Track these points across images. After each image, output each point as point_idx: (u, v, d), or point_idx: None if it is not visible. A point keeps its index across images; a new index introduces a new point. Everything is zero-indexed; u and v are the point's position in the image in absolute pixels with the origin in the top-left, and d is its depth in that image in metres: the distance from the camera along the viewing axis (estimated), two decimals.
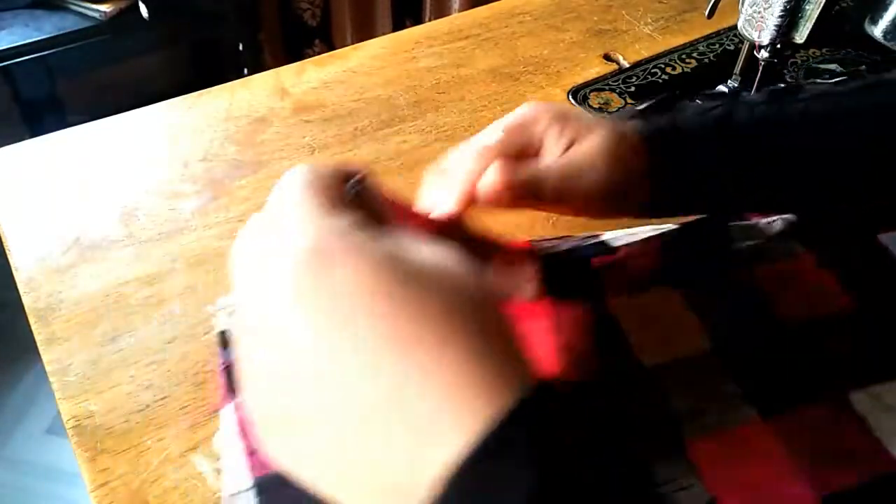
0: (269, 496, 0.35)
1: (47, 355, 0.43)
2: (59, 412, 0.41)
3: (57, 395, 0.41)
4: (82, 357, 0.43)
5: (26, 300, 0.46)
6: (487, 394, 0.21)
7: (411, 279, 0.22)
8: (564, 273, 0.46)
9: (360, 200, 0.28)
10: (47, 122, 1.48)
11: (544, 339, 0.41)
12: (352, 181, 0.28)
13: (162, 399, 0.41)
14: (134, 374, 0.42)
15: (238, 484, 0.36)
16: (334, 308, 0.22)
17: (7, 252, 0.50)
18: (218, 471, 0.37)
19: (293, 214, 0.25)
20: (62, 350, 0.43)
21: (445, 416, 0.20)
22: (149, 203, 0.53)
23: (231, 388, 0.40)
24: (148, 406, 0.40)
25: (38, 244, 0.50)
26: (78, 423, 0.40)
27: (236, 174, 0.56)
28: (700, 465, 0.36)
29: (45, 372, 0.42)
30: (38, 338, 0.44)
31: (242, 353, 0.25)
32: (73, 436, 0.39)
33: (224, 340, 0.43)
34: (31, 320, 0.45)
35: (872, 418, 0.38)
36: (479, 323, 0.22)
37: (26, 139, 0.58)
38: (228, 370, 0.41)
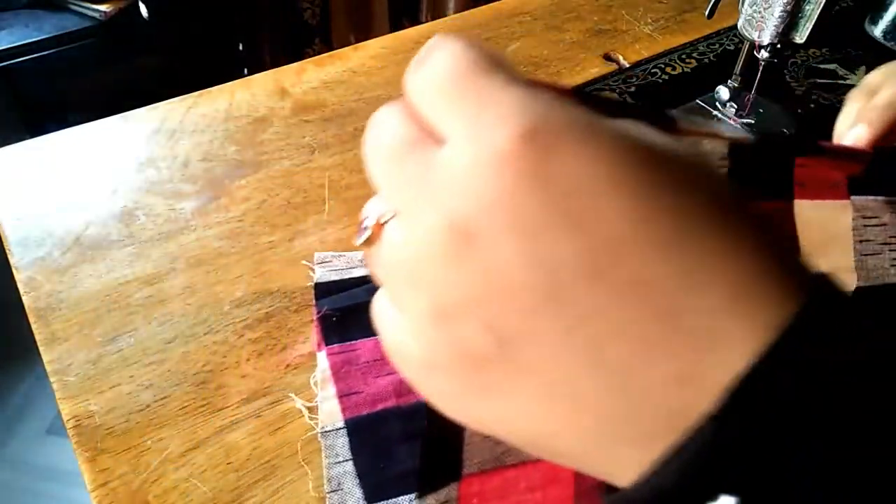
0: (359, 437, 0.38)
1: (47, 355, 0.43)
2: (59, 412, 0.41)
3: (57, 395, 0.41)
4: (82, 357, 0.43)
5: (26, 300, 0.46)
6: (782, 294, 0.16)
7: (663, 164, 0.17)
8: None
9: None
10: (47, 122, 1.48)
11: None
12: (366, 219, 0.21)
13: (162, 399, 0.41)
14: (134, 374, 0.42)
15: (332, 422, 0.39)
16: (569, 215, 0.16)
17: (7, 252, 0.50)
18: (310, 408, 0.40)
19: (477, 100, 0.17)
20: (62, 350, 0.43)
21: (731, 324, 0.16)
22: (149, 203, 0.53)
23: (325, 336, 0.43)
24: (148, 406, 0.41)
25: (38, 244, 0.50)
26: (78, 423, 0.40)
27: (236, 174, 0.56)
28: None
29: (45, 372, 0.42)
30: (38, 338, 0.44)
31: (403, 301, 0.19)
32: (73, 436, 0.39)
33: (319, 292, 0.46)
34: (31, 320, 0.45)
35: None
36: (746, 214, 0.17)
37: (26, 139, 0.58)
38: (323, 320, 0.43)
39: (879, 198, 0.45)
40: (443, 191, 0.17)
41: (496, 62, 0.18)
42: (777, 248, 0.17)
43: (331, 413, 0.39)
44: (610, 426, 0.17)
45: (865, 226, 0.44)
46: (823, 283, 0.17)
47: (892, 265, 0.43)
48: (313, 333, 0.44)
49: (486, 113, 0.17)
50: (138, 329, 0.44)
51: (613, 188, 0.16)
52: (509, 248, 0.16)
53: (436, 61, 0.20)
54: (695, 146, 0.22)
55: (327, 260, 0.48)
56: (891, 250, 0.44)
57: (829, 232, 0.43)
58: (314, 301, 0.45)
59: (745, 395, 0.15)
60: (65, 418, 0.40)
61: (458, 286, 0.17)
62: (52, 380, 0.42)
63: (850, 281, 0.42)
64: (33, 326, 0.45)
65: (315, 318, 0.44)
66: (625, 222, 0.16)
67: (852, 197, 0.44)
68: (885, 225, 0.44)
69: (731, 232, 0.16)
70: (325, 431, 0.39)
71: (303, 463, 0.38)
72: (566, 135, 0.16)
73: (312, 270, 0.48)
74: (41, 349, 0.43)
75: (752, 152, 0.43)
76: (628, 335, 0.16)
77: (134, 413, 0.40)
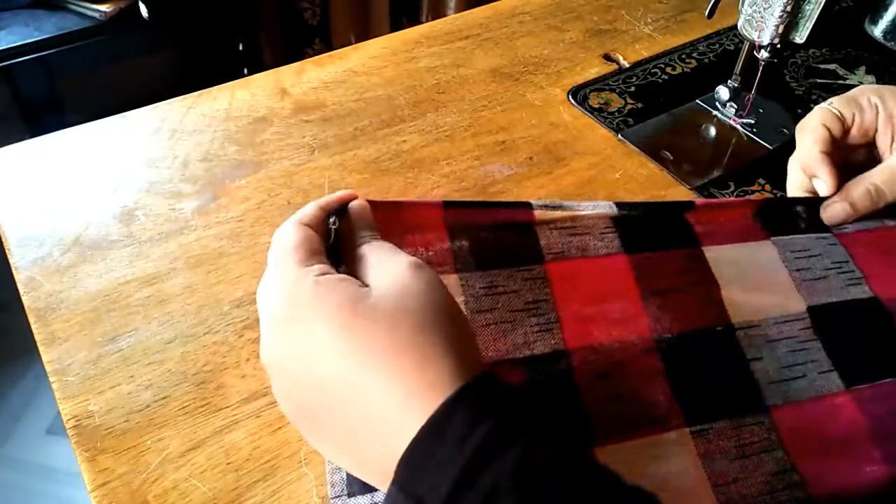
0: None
1: (47, 355, 0.43)
2: (59, 412, 0.41)
3: (57, 395, 0.41)
4: (82, 357, 0.43)
5: (26, 300, 0.46)
6: (431, 394, 0.27)
7: (360, 315, 0.29)
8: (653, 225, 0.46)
9: (342, 225, 0.36)
10: (47, 122, 1.48)
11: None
12: (330, 220, 0.36)
13: (162, 399, 0.41)
14: (134, 374, 0.42)
15: (338, 489, 0.36)
16: (314, 348, 0.29)
17: (7, 252, 0.50)
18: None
19: (273, 275, 0.33)
20: (62, 350, 0.43)
21: (402, 415, 0.27)
22: (149, 203, 0.53)
23: None
24: (148, 406, 0.41)
25: (38, 244, 0.50)
26: (78, 423, 0.40)
27: (236, 174, 0.56)
28: (782, 435, 0.37)
29: (45, 372, 0.42)
30: (38, 338, 0.44)
31: (271, 375, 0.32)
32: (73, 436, 0.39)
33: None
34: (31, 320, 0.45)
35: None
36: (425, 335, 0.28)
37: (26, 139, 0.58)
38: None
39: (802, 236, 0.47)
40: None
41: (300, 247, 0.33)
42: (446, 353, 0.28)
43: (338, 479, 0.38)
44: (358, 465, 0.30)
45: (797, 258, 0.45)
46: (483, 376, 0.28)
47: (850, 284, 0.44)
48: None
49: (271, 292, 0.32)
50: (138, 329, 0.44)
51: (331, 333, 0.29)
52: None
53: (272, 245, 0.34)
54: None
55: None
56: (840, 273, 0.45)
57: (757, 267, 0.45)
58: None
59: (411, 451, 0.26)
60: (65, 418, 0.40)
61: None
62: (52, 380, 0.42)
63: (796, 305, 0.43)
64: (33, 326, 0.45)
65: None
66: (339, 354, 0.28)
67: (772, 238, 0.46)
68: (819, 255, 0.46)
69: (397, 362, 0.28)
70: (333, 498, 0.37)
71: (303, 463, 0.38)
72: (307, 304, 0.30)
73: None
74: (41, 349, 0.43)
75: (637, 220, 0.45)
76: (350, 419, 0.28)
77: (134, 413, 0.40)
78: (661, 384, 0.39)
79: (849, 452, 0.37)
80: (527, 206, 0.45)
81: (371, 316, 0.29)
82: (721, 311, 0.42)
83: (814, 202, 0.48)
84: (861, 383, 0.40)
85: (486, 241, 0.43)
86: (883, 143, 0.48)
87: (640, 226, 0.45)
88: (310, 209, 0.36)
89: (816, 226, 0.47)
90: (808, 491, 0.35)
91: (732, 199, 0.48)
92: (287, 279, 0.31)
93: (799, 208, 0.48)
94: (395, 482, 0.26)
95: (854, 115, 0.48)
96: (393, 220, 0.41)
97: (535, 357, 0.39)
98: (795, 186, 0.50)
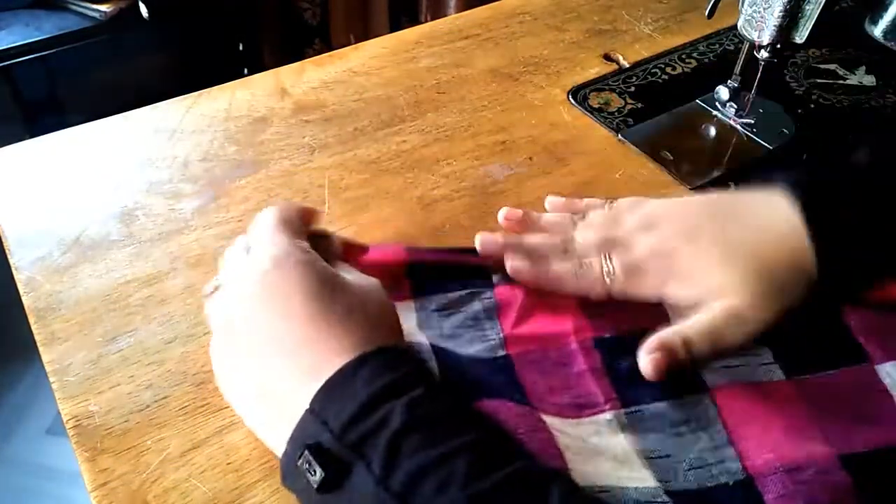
0: None
1: (47, 355, 0.43)
2: (59, 412, 0.41)
3: (57, 395, 0.41)
4: (82, 357, 0.43)
5: (26, 300, 0.46)
6: (346, 354, 0.34)
7: (329, 285, 0.37)
8: None
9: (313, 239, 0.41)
10: (47, 122, 1.48)
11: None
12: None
13: (162, 399, 0.41)
14: (134, 374, 0.42)
15: None
16: (282, 299, 0.36)
17: (7, 252, 0.50)
18: None
19: (265, 237, 0.39)
20: (62, 350, 0.43)
21: (322, 365, 0.34)
22: (149, 203, 0.53)
23: None
24: (148, 406, 0.41)
25: (38, 244, 0.50)
26: (78, 423, 0.40)
27: (236, 174, 0.56)
28: (721, 410, 0.38)
29: (45, 372, 0.42)
30: (38, 338, 0.44)
31: (216, 325, 0.39)
32: (73, 436, 0.39)
33: None
34: (31, 320, 0.45)
35: None
36: (365, 314, 0.36)
37: (26, 139, 0.58)
38: None
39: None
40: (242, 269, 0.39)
41: (289, 223, 0.40)
42: (374, 330, 0.36)
43: None
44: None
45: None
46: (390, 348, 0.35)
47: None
48: None
49: (263, 250, 0.38)
50: (138, 329, 0.44)
51: (297, 293, 0.36)
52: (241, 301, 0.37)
53: (260, 217, 0.41)
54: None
55: None
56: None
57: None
58: None
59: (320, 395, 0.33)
60: (65, 418, 0.40)
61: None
62: (51, 380, 0.42)
63: None
64: (33, 326, 0.45)
65: None
66: (302, 308, 0.35)
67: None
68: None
69: (345, 325, 0.36)
70: None
71: None
72: (292, 265, 0.37)
73: None
74: (41, 349, 0.43)
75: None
76: (277, 357, 0.35)
77: (134, 413, 0.40)
78: (598, 374, 0.40)
79: (790, 430, 0.37)
80: (474, 252, 0.47)
81: (340, 292, 0.37)
82: (662, 314, 0.43)
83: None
84: (803, 375, 0.40)
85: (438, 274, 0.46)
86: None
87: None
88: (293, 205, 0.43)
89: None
90: (743, 464, 0.36)
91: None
92: (276, 245, 0.38)
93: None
94: (308, 409, 0.33)
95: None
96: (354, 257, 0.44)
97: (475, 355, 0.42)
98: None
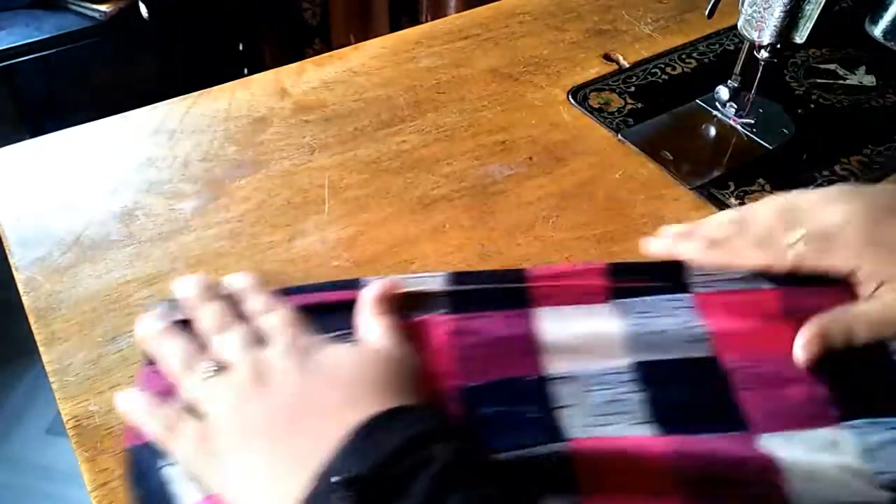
0: None
1: (47, 355, 0.43)
2: (59, 412, 0.41)
3: (57, 395, 0.41)
4: (82, 357, 0.43)
5: (26, 300, 0.46)
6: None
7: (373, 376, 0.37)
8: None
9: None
10: (47, 122, 1.48)
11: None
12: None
13: None
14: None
15: None
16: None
17: (7, 252, 0.50)
18: None
19: (286, 333, 0.39)
20: (62, 350, 0.43)
21: (303, 465, 0.32)
22: (149, 203, 0.53)
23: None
24: None
25: (38, 244, 0.50)
26: (78, 423, 0.40)
27: (236, 174, 0.56)
28: (575, 457, 0.35)
29: (45, 372, 0.42)
30: (38, 338, 0.44)
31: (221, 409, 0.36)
32: (73, 436, 0.39)
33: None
34: (31, 320, 0.45)
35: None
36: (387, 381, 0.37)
37: (26, 139, 0.58)
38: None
39: (649, 297, 0.44)
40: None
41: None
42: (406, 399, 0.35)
43: None
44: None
45: (636, 316, 0.43)
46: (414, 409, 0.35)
47: (690, 341, 0.42)
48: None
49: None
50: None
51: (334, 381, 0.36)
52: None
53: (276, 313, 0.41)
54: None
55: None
56: (682, 330, 0.43)
57: (587, 326, 0.43)
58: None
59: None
60: (65, 418, 0.40)
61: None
62: (51, 380, 0.42)
63: (621, 361, 0.41)
64: (33, 326, 0.45)
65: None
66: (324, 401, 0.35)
67: (614, 300, 0.44)
68: (662, 316, 0.44)
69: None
70: None
71: None
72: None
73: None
74: (41, 349, 0.43)
75: (473, 282, 0.45)
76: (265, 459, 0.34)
77: None
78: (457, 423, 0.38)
79: (647, 485, 0.35)
80: (355, 284, 0.44)
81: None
82: (536, 363, 0.41)
83: (669, 266, 0.46)
84: (676, 434, 0.37)
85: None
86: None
87: (471, 290, 0.44)
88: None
89: (670, 288, 0.45)
90: None
91: (581, 266, 0.46)
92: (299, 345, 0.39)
93: (653, 272, 0.46)
94: (341, 447, 0.31)
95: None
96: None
97: None
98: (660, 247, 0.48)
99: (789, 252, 0.42)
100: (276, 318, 0.40)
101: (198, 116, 0.61)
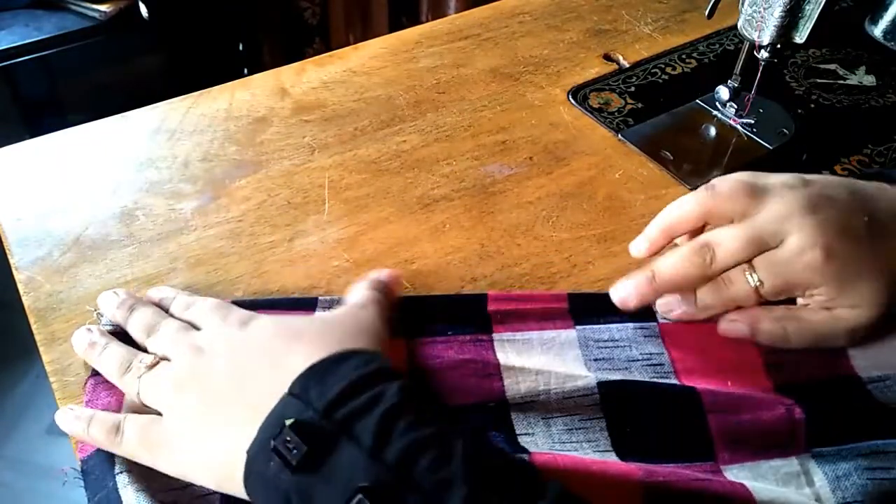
0: None
1: (47, 355, 0.43)
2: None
3: (57, 395, 0.41)
4: (82, 357, 0.43)
5: (26, 300, 0.46)
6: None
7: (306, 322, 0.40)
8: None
9: None
10: (47, 122, 1.48)
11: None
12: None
13: None
14: None
15: None
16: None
17: (7, 252, 0.50)
18: None
19: (215, 314, 0.41)
20: (62, 350, 0.43)
21: (253, 420, 0.32)
22: (149, 203, 0.53)
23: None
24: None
25: (38, 244, 0.50)
26: None
27: (236, 174, 0.56)
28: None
29: (45, 372, 0.42)
30: (38, 338, 0.44)
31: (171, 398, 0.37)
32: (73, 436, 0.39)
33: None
34: (31, 320, 0.45)
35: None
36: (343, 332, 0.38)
37: (26, 139, 0.58)
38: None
39: (614, 325, 0.44)
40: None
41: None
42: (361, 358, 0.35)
43: None
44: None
45: (599, 347, 0.43)
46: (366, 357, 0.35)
47: (655, 376, 0.41)
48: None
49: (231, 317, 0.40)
50: None
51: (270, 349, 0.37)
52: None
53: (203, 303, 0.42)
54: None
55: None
56: (647, 364, 0.42)
57: (549, 351, 0.42)
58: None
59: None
60: None
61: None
62: (51, 380, 0.42)
63: (583, 383, 0.40)
64: (33, 326, 0.45)
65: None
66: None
67: (576, 326, 0.44)
68: (627, 346, 0.43)
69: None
70: None
71: None
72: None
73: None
74: (41, 349, 0.43)
75: (430, 308, 0.45)
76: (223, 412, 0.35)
77: None
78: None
79: (614, 498, 0.34)
80: (311, 302, 0.45)
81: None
82: (496, 389, 0.40)
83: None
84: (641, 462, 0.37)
85: None
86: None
87: (429, 314, 0.44)
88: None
89: (635, 316, 0.44)
90: None
91: (544, 292, 0.46)
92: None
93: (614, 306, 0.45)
94: (286, 393, 0.32)
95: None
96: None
97: None
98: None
99: (752, 295, 0.41)
100: (203, 305, 0.41)
101: (198, 116, 0.61)
